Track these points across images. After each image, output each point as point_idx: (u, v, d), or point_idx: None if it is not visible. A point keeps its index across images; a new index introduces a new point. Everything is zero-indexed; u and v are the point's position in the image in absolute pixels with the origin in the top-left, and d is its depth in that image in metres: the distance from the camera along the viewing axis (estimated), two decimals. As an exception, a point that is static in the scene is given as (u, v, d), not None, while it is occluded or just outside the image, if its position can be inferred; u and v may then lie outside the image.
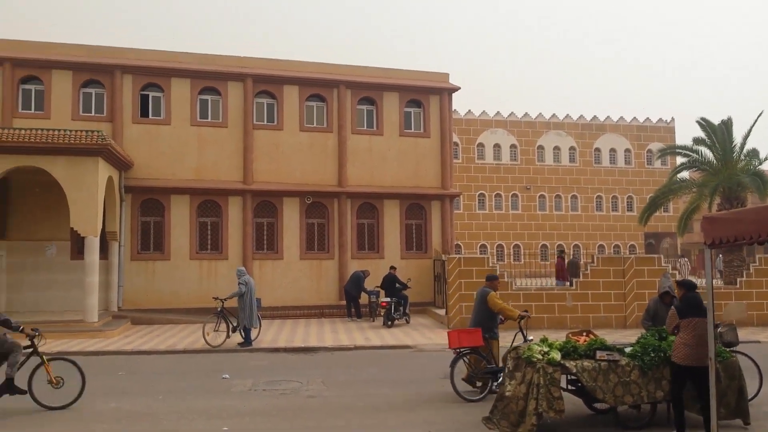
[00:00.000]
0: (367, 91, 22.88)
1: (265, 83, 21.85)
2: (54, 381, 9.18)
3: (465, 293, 17.35)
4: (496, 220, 41.94)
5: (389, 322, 17.90)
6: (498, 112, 42.64)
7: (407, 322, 18.72)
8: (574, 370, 7.79)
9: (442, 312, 19.24)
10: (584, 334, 9.07)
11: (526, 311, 10.30)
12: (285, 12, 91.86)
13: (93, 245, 16.69)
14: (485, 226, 41.64)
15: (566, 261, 24.49)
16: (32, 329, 9.30)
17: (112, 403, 9.51)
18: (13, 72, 19.61)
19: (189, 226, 20.70)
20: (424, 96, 23.42)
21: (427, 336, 16.40)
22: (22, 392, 8.94)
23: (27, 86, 20.00)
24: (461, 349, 9.78)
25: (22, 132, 16.45)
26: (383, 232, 22.52)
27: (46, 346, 14.62)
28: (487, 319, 10.05)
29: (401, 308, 18.39)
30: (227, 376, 11.42)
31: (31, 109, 19.94)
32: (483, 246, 41.20)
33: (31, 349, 9.20)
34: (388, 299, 18.15)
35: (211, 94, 21.48)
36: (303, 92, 22.23)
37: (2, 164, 16.24)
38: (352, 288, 19.65)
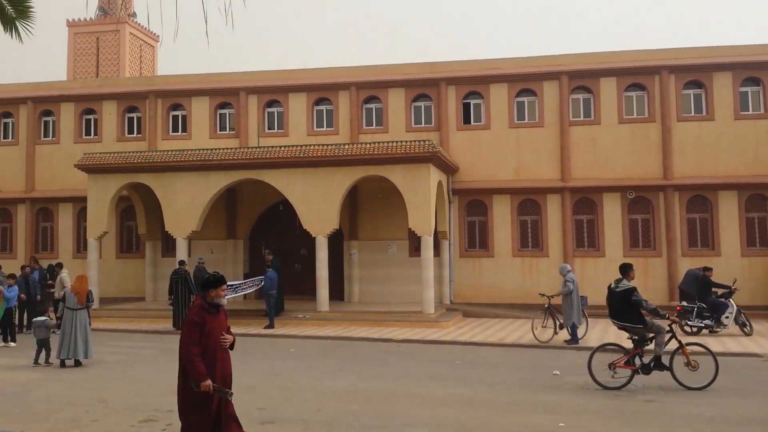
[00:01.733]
0: (693, 74, 21.10)
1: (581, 78, 21.61)
2: (691, 364, 10.15)
3: (828, 297, 14.95)
4: None
5: (689, 330, 15.86)
6: None
7: (746, 332, 15.88)
8: None
9: (797, 318, 16.82)
10: None
11: None
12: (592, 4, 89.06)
13: (428, 244, 18.42)
14: None
15: None
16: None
17: (453, 389, 10.46)
18: (357, 94, 22.64)
19: (510, 224, 21.52)
20: (765, 71, 20.71)
21: (779, 344, 14.54)
22: (667, 369, 10.20)
23: (368, 105, 22.91)
24: None
25: (368, 146, 18.94)
26: (719, 227, 20.53)
27: (394, 333, 16.67)
28: None
29: (715, 315, 15.88)
30: (558, 372, 11.69)
31: (372, 125, 22.80)
32: None
33: (669, 335, 10.51)
34: (684, 303, 16.37)
35: (527, 95, 22.00)
36: (621, 83, 21.44)
37: (354, 174, 18.87)
38: (689, 287, 18.22)
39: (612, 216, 21.08)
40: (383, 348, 14.92)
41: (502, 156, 21.78)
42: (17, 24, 7.16)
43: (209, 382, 5.86)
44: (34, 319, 13.98)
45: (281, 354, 14.07)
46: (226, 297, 18.66)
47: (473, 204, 21.96)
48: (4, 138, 25.37)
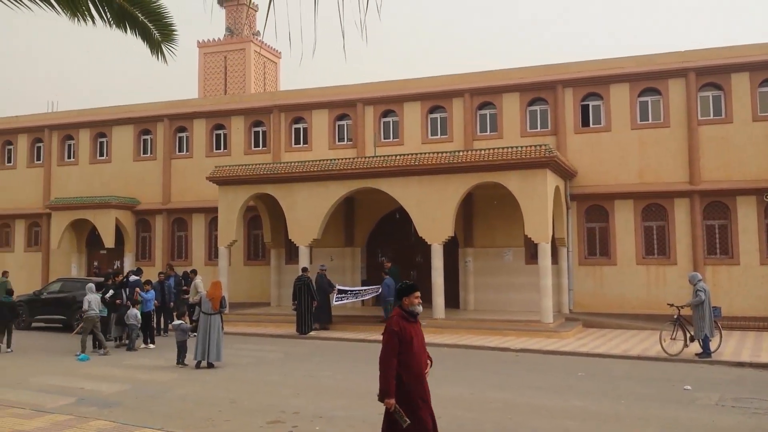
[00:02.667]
0: (842, 65, 19.30)
1: (710, 75, 20.36)
2: None
3: None
4: None
5: None
6: None
7: None
8: None
9: None
10: None
11: None
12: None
13: (545, 251, 18.03)
14: None
15: None
16: None
17: (576, 401, 10.18)
18: (471, 101, 22.60)
19: (633, 230, 20.61)
20: None
21: None
22: None
23: (482, 111, 22.80)
24: None
25: (482, 152, 18.85)
26: None
27: (511, 342, 16.44)
28: None
29: None
30: (689, 387, 11.09)
31: (486, 131, 22.67)
32: None
33: None
34: None
35: (651, 94, 21.02)
36: (755, 78, 20.00)
37: (469, 181, 18.82)
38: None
39: (747, 221, 19.65)
40: (500, 357, 14.78)
41: (623, 159, 20.94)
42: (162, 47, 7.78)
43: (393, 401, 5.64)
44: (173, 323, 15.03)
45: (399, 360, 14.27)
46: (346, 301, 19.13)
47: (593, 209, 21.25)
48: (144, 153, 27.55)
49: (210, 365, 13.34)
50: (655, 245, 20.60)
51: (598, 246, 21.17)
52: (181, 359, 13.75)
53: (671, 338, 14.53)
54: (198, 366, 13.35)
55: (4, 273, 21.27)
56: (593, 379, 12.08)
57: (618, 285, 20.49)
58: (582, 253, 21.14)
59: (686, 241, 20.05)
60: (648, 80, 20.94)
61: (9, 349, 15.91)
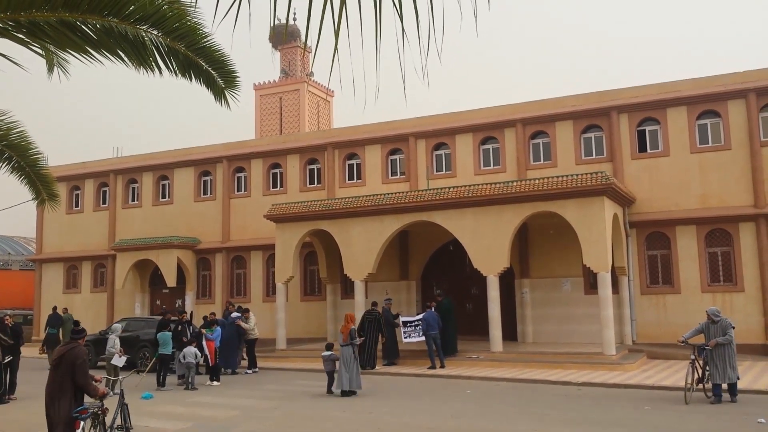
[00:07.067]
0: None
1: (774, 93, 19.74)
2: None
3: None
4: None
5: None
6: None
7: None
8: None
9: None
10: None
11: None
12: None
13: (605, 280, 17.60)
14: None
15: None
16: None
17: (644, 436, 9.83)
18: (524, 130, 22.50)
19: (697, 257, 19.94)
20: None
21: None
22: None
23: (535, 141, 22.65)
24: None
25: (537, 182, 18.68)
26: None
27: (573, 375, 16.02)
28: None
29: None
30: (763, 420, 10.57)
31: (540, 161, 22.47)
32: None
33: None
34: None
35: (710, 117, 20.50)
36: (821, 96, 19.26)
37: (523, 211, 18.63)
38: None
39: (821, 244, 18.74)
40: (562, 391, 14.40)
41: (684, 184, 20.39)
42: (225, 93, 8.07)
43: None
44: (322, 354, 15.27)
45: (457, 395, 14.10)
46: (412, 339, 18.88)
47: (654, 236, 20.68)
48: (204, 194, 28.39)
49: (345, 393, 14.05)
50: (721, 271, 19.86)
51: (660, 274, 20.54)
52: (330, 388, 14.53)
53: (688, 382, 12.53)
54: (342, 394, 14.09)
55: (64, 310, 22.39)
56: (661, 413, 11.63)
57: (683, 314, 19.74)
58: (644, 282, 20.55)
59: (753, 267, 19.25)
60: (707, 103, 20.45)
61: None
